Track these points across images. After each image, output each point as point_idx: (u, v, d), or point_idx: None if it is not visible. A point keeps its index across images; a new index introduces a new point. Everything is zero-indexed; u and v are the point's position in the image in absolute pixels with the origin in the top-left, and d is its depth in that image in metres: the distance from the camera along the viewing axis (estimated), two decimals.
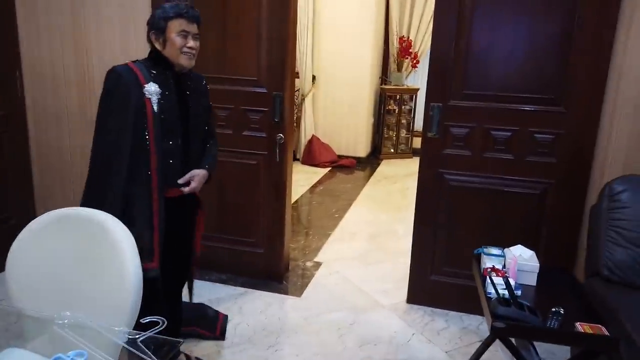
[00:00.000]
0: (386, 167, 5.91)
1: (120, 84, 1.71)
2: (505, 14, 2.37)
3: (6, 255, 1.41)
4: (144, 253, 1.67)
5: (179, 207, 1.89)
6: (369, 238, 3.75)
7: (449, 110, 2.52)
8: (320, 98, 5.93)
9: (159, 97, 1.74)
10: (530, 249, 1.96)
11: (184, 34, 1.76)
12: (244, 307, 2.65)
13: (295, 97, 5.64)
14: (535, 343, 1.96)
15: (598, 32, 2.24)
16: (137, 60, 1.83)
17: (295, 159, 5.80)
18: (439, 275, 2.69)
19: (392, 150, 6.34)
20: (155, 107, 1.72)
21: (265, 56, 2.67)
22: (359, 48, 5.71)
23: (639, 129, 2.25)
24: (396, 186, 5.19)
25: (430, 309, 2.72)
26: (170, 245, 1.86)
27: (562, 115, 2.38)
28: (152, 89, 1.73)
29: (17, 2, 2.94)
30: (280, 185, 2.82)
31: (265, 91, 2.72)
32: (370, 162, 6.06)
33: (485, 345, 1.74)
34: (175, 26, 1.75)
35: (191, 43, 1.77)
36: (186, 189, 1.86)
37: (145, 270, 1.66)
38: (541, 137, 2.43)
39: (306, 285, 2.94)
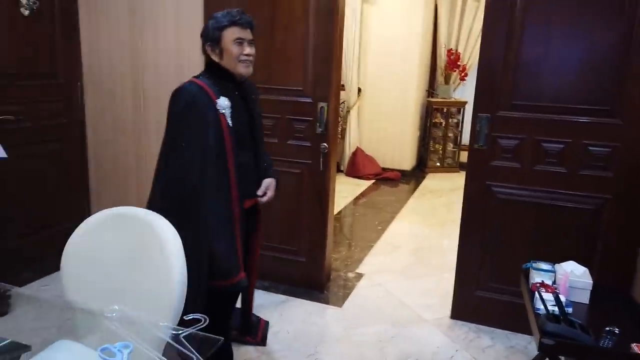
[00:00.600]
0: (431, 181, 5.81)
1: (196, 103, 1.67)
2: (558, 24, 2.30)
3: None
4: (234, 266, 1.75)
5: (250, 216, 1.93)
6: (412, 252, 3.68)
7: (497, 121, 2.46)
8: (365, 110, 5.94)
9: (231, 110, 1.72)
10: (586, 267, 1.87)
11: (240, 42, 1.73)
12: (285, 315, 2.66)
13: (341, 109, 5.67)
14: None
15: None
16: (199, 75, 1.79)
17: (339, 170, 5.81)
18: (485, 291, 2.60)
19: (438, 164, 6.23)
20: (229, 122, 1.70)
21: (312, 67, 2.71)
22: (405, 61, 5.69)
23: None
24: (441, 200, 5.09)
25: (475, 325, 2.63)
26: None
27: (619, 127, 2.27)
28: (224, 103, 1.70)
29: (80, 20, 3.14)
30: (323, 194, 2.83)
31: (310, 101, 2.75)
32: (415, 176, 5.98)
33: None
34: (230, 34, 1.72)
35: (247, 50, 1.75)
36: (264, 199, 1.90)
37: (236, 283, 1.77)
38: (596, 150, 2.32)
39: (347, 296, 2.92)
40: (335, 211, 4.41)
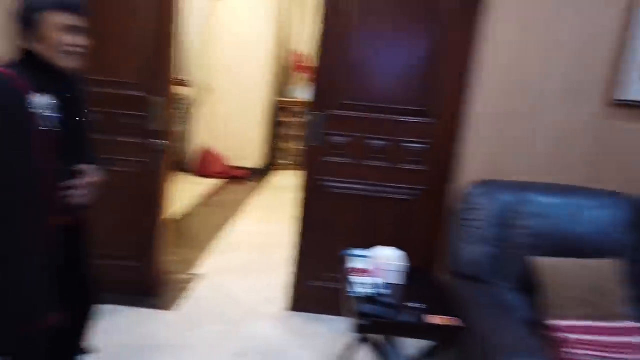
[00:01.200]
0: (279, 179, 5.92)
1: (3, 98, 1.32)
2: (383, 30, 2.48)
3: None
4: (38, 306, 1.37)
5: (72, 237, 1.59)
6: (254, 248, 3.69)
7: (329, 119, 2.57)
8: (212, 108, 5.80)
9: (48, 108, 1.38)
10: (401, 251, 2.04)
11: (65, 29, 1.40)
12: (113, 325, 2.44)
13: (185, 105, 5.46)
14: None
15: (460, 50, 2.43)
16: (9, 64, 1.40)
17: (184, 169, 5.59)
18: (319, 281, 2.71)
19: (286, 161, 6.37)
20: (45, 122, 1.37)
21: (145, 60, 2.53)
22: (255, 59, 5.70)
23: (495, 140, 2.47)
24: (287, 197, 5.19)
25: (312, 315, 2.72)
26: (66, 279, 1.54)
27: (431, 126, 2.54)
28: (40, 100, 1.36)
29: None
30: (155, 194, 2.66)
31: (141, 95, 2.57)
32: (263, 174, 6.03)
33: (353, 345, 1.77)
34: (54, 19, 1.38)
35: (76, 39, 1.42)
36: (77, 192, 1.51)
37: (41, 328, 1.38)
38: (413, 146, 2.57)
39: (182, 299, 2.80)
40: (178, 212, 4.22)
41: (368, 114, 2.56)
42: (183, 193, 4.76)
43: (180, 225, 4.04)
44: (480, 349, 1.63)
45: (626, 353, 1.73)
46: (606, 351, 1.73)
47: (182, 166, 5.62)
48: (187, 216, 4.30)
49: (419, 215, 2.60)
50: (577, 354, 1.71)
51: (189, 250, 3.53)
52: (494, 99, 2.44)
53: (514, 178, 2.41)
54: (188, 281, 3.01)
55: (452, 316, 1.70)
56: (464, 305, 1.86)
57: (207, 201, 4.80)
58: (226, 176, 5.65)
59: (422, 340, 1.82)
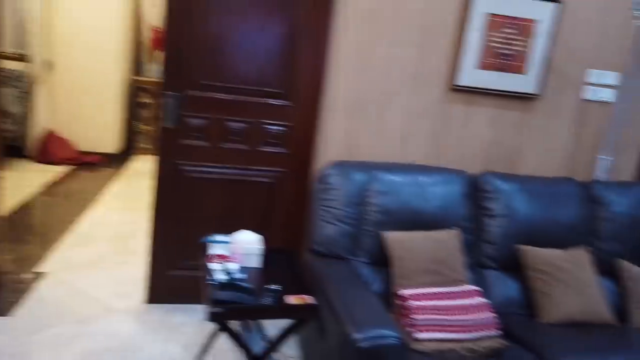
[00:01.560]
0: (138, 164, 5.52)
1: None
2: (242, 9, 2.40)
3: None
4: None
5: None
6: (109, 240, 3.40)
7: (186, 100, 2.43)
8: (58, 87, 5.17)
9: None
10: (266, 234, 2.02)
11: None
12: None
13: (24, 83, 4.80)
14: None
15: (316, 35, 2.46)
16: None
17: (24, 155, 4.93)
18: (180, 270, 2.58)
19: (147, 146, 5.96)
20: None
21: None
22: (105, 34, 5.19)
23: (352, 123, 2.57)
24: (147, 183, 4.87)
25: (172, 306, 2.59)
26: None
27: (291, 109, 2.54)
28: None
29: None
30: None
31: None
32: (120, 159, 5.57)
33: (212, 334, 1.71)
34: None
35: None
36: None
37: None
38: (273, 129, 2.55)
39: (21, 301, 2.47)
40: (17, 203, 3.71)
41: (228, 95, 2.47)
42: (22, 182, 4.19)
43: (19, 218, 3.56)
44: (335, 324, 1.69)
45: (464, 314, 1.93)
46: (447, 314, 1.90)
47: (22, 152, 4.94)
48: (26, 208, 3.80)
49: (283, 197, 2.61)
50: (420, 319, 1.86)
51: (31, 246, 3.12)
52: (350, 84, 2.52)
53: (370, 159, 2.54)
54: (30, 281, 2.67)
55: (309, 295, 1.73)
56: (322, 283, 1.91)
57: (51, 191, 4.28)
58: (76, 163, 5.11)
59: (285, 321, 1.83)
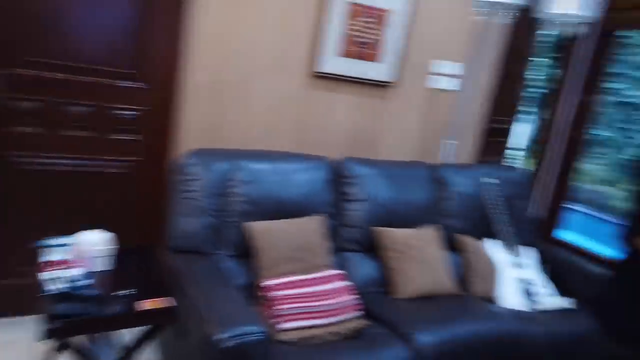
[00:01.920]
0: None
1: None
2: None
3: None
4: None
5: None
6: None
7: (9, 80, 2.08)
8: None
9: None
10: (120, 232, 1.82)
11: None
12: None
13: None
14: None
15: (171, 13, 2.26)
16: None
17: None
18: (13, 278, 2.24)
19: None
20: None
21: None
22: None
23: (213, 109, 2.44)
24: None
25: (3, 320, 2.24)
26: None
27: (145, 92, 2.33)
28: None
29: None
30: None
31: None
32: None
33: (52, 353, 1.50)
34: None
35: None
36: None
37: None
38: (125, 114, 2.32)
39: None
40: None
41: (65, 74, 2.17)
42: None
43: None
44: (197, 325, 1.60)
45: (328, 299, 1.97)
46: (311, 300, 1.93)
47: None
48: None
49: (139, 190, 2.40)
50: (284, 309, 1.85)
51: None
52: (211, 68, 2.39)
53: (233, 146, 2.45)
54: None
55: (167, 296, 1.61)
56: (181, 282, 1.80)
57: None
58: None
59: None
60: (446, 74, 2.99)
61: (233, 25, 2.39)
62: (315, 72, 2.62)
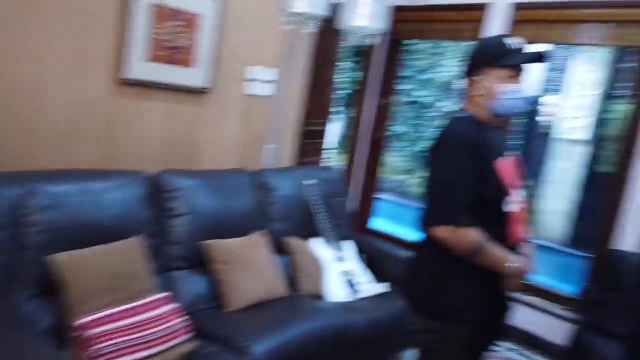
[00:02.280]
0: None
1: None
2: None
3: None
4: None
5: None
6: None
7: None
8: None
9: None
10: None
11: None
12: None
13: None
14: None
15: None
16: None
17: None
18: None
19: None
20: None
21: None
22: None
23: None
24: None
25: None
26: None
27: None
28: None
29: None
30: None
31: None
32: None
33: None
34: None
35: None
36: None
37: None
38: None
39: None
40: None
41: None
42: None
43: None
44: None
45: (153, 327, 1.82)
46: (133, 332, 1.76)
47: None
48: None
49: None
50: (103, 347, 1.66)
51: None
52: None
53: (23, 168, 2.09)
54: None
55: None
56: None
57: None
58: None
59: None
60: (261, 80, 3.03)
61: (20, 21, 2.03)
62: (122, 79, 2.40)
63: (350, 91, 7.22)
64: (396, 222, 6.07)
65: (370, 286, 2.68)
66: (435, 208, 1.52)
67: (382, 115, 3.96)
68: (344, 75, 6.68)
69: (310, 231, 2.78)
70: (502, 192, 1.51)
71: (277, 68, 3.06)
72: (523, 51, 1.55)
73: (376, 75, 3.91)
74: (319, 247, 2.73)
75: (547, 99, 7.32)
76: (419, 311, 1.63)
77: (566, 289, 3.13)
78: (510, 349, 3.03)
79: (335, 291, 2.58)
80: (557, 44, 3.18)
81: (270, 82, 3.07)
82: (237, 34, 2.83)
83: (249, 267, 2.34)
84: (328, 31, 3.12)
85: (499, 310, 1.62)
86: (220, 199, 2.46)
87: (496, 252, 1.49)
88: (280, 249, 2.65)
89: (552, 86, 7.32)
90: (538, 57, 1.56)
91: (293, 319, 2.19)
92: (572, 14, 2.89)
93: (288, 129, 3.29)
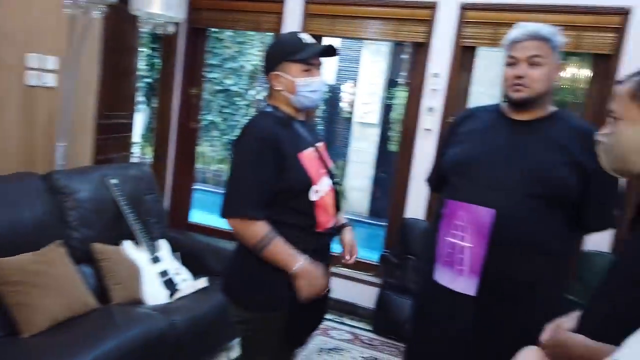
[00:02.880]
0: None
1: None
2: None
3: None
4: None
5: None
6: None
7: None
8: None
9: None
10: None
11: None
12: None
13: None
14: None
15: None
16: None
17: None
18: None
19: None
20: None
21: None
22: None
23: None
24: None
25: None
26: None
27: None
28: None
29: None
30: None
31: None
32: None
33: None
34: None
35: None
36: None
37: None
38: None
39: None
40: None
41: None
42: None
43: None
44: None
45: None
46: None
47: None
48: None
49: None
50: None
51: None
52: None
53: None
54: None
55: None
56: None
57: None
58: None
59: None
60: (43, 69, 2.64)
61: None
62: None
63: (151, 80, 6.82)
64: (216, 214, 6.02)
65: (189, 284, 2.60)
66: (228, 199, 1.55)
67: (192, 105, 3.84)
68: (143, 63, 6.25)
69: (121, 234, 2.56)
70: (307, 183, 1.56)
71: (62, 56, 2.70)
72: (316, 45, 1.62)
73: (181, 64, 3.77)
74: (132, 250, 2.54)
75: (345, 87, 8.03)
76: (234, 303, 1.65)
77: (371, 256, 3.51)
78: (330, 320, 3.29)
79: (155, 294, 2.44)
80: (345, 38, 3.49)
81: (53, 71, 2.69)
82: (10, 20, 2.41)
83: (47, 284, 2.05)
84: (123, 16, 2.88)
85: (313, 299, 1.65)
86: (3, 211, 2.10)
87: (284, 251, 1.52)
88: (85, 258, 2.39)
89: (349, 75, 8.06)
90: (330, 51, 1.65)
91: (105, 332, 2.00)
92: (357, 11, 3.20)
93: (85, 124, 2.95)
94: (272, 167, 1.51)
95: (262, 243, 1.50)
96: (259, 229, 1.50)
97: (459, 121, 1.73)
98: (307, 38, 1.62)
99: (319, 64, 1.63)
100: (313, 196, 1.57)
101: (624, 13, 2.65)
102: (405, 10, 3.10)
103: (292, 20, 3.31)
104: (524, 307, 1.51)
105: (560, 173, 1.45)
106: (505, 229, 1.45)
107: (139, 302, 2.39)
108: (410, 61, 3.39)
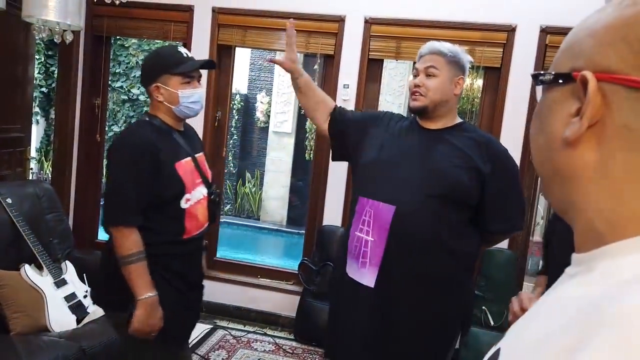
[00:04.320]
0: None
1: None
2: None
3: None
4: None
5: None
6: None
7: None
8: None
9: None
10: None
11: None
12: None
13: None
14: None
15: None
16: None
17: None
18: None
19: None
20: None
21: None
22: None
23: None
24: None
25: None
26: None
27: None
28: None
29: None
30: None
31: None
32: None
33: None
34: None
35: None
36: None
37: None
38: None
39: None
40: None
41: None
42: None
43: None
44: None
45: None
46: None
47: None
48: None
49: None
50: None
51: None
52: None
53: None
54: None
55: None
56: None
57: None
58: None
59: None
60: None
61: None
62: None
63: (46, 90, 6.34)
64: None
65: (95, 307, 2.45)
66: (109, 209, 1.60)
67: (95, 116, 3.63)
68: (39, 73, 5.79)
69: (21, 258, 2.36)
70: (180, 191, 1.63)
71: None
72: (195, 59, 1.71)
73: (82, 73, 3.55)
74: (33, 274, 2.34)
75: (259, 97, 8.02)
76: (111, 308, 1.74)
77: (291, 265, 3.54)
78: (253, 332, 3.26)
79: (61, 320, 2.27)
80: (256, 48, 3.50)
81: None
82: None
83: None
84: (14, 23, 2.67)
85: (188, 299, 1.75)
86: None
87: (142, 276, 1.55)
88: None
89: (263, 85, 8.06)
90: (208, 64, 1.81)
91: None
92: (268, 22, 3.23)
93: None
94: (149, 174, 1.56)
95: (130, 258, 1.53)
96: (135, 244, 1.54)
97: (389, 117, 1.80)
98: (186, 51, 1.71)
99: (199, 76, 1.72)
100: (184, 204, 1.64)
101: (510, 30, 2.94)
102: (314, 23, 3.19)
103: (202, 29, 3.27)
104: (421, 300, 1.60)
105: (459, 176, 1.57)
106: (403, 225, 1.55)
107: (44, 329, 2.22)
108: (321, 73, 3.48)
